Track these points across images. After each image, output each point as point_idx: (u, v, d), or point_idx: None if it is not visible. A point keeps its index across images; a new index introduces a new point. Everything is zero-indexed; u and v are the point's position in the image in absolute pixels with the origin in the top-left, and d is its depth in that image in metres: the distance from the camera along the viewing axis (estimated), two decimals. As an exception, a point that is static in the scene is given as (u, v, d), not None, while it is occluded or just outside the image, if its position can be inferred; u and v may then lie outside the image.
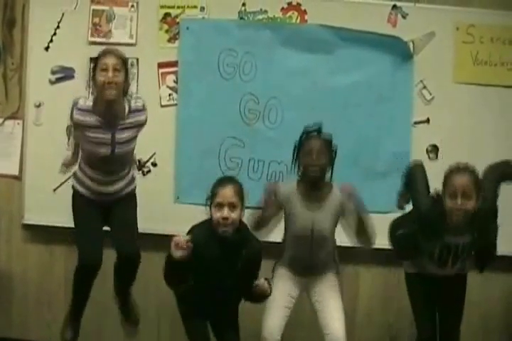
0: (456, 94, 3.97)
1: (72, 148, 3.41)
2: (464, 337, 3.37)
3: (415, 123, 3.95)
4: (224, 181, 3.05)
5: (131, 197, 3.39)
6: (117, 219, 3.31)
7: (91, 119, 3.17)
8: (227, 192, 2.96)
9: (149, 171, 3.94)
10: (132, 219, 3.33)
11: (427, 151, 3.97)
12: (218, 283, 3.05)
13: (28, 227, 4.03)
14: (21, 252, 4.08)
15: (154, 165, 3.95)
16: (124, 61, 3.21)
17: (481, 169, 3.11)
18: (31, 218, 3.99)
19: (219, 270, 3.02)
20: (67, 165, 3.43)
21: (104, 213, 3.32)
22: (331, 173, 3.30)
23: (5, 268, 4.08)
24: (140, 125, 3.29)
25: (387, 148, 3.94)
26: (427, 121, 3.97)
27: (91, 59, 3.90)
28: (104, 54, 3.18)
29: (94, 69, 3.20)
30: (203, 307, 3.10)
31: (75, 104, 3.20)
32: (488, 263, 3.20)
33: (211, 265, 3.01)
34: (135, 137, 3.30)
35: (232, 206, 2.95)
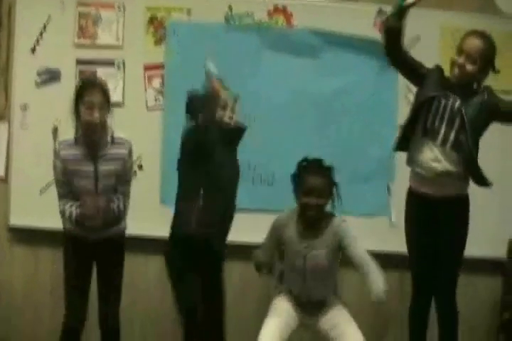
0: (442, 97, 3.98)
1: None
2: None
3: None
4: None
5: (120, 246, 3.31)
6: (103, 284, 3.26)
7: (75, 152, 3.14)
8: None
9: (135, 174, 3.95)
10: (118, 284, 3.27)
11: (412, 155, 3.98)
12: None
13: (14, 230, 4.02)
14: (7, 255, 4.06)
15: (140, 167, 3.96)
16: (107, 95, 3.15)
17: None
18: (17, 220, 3.98)
19: None
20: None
21: (93, 257, 3.27)
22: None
23: (-9, 270, 4.08)
24: (121, 158, 3.20)
25: (371, 152, 3.96)
26: (412, 124, 3.98)
27: (77, 62, 3.96)
28: (88, 89, 3.10)
29: (77, 101, 3.11)
30: None
31: (55, 149, 3.17)
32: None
33: None
34: (122, 171, 3.21)
35: None
